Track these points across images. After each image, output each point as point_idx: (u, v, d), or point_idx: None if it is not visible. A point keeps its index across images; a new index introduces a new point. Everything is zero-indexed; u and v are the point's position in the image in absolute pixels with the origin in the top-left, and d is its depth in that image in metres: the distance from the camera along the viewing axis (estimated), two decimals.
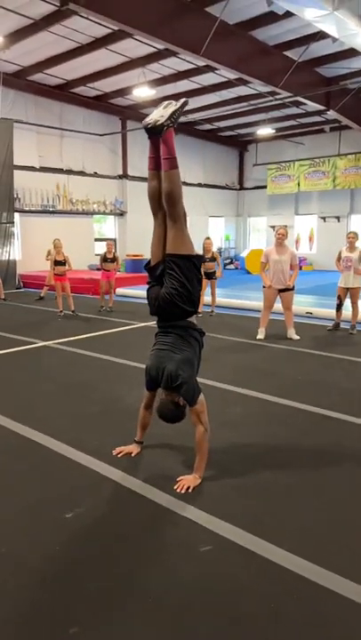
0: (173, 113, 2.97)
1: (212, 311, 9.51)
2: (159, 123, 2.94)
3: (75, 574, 2.35)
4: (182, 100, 3.08)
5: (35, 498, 3.01)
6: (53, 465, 3.44)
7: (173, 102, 3.05)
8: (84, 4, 8.22)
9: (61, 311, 9.58)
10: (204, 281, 9.40)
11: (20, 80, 13.70)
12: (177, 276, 3.02)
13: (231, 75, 12.27)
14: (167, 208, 3.03)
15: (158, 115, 2.98)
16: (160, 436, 3.71)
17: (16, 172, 13.84)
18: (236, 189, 22.62)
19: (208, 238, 9.73)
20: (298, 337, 7.29)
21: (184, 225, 3.06)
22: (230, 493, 3.04)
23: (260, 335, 7.35)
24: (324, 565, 2.37)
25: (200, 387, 3.14)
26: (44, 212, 15.35)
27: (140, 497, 3.00)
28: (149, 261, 3.21)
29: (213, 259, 9.47)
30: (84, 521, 2.76)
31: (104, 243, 11.73)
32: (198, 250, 10.35)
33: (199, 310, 8.82)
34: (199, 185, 20.31)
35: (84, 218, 16.69)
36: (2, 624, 2.06)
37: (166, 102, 3.07)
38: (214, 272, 9.46)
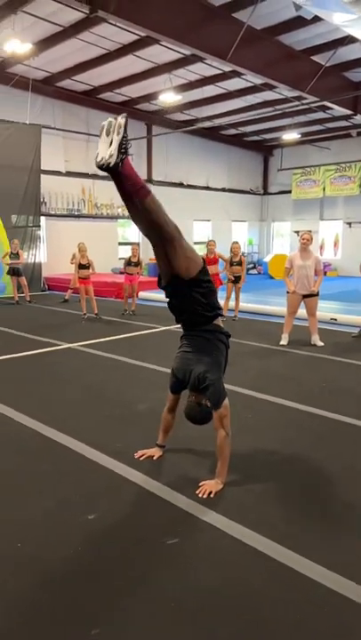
0: (120, 145, 2.57)
1: (236, 316, 9.49)
2: (112, 164, 2.56)
3: (92, 576, 2.36)
4: (122, 119, 2.62)
5: (56, 499, 3.04)
6: (75, 466, 3.46)
7: (113, 125, 2.63)
8: (113, 11, 8.32)
9: (85, 314, 9.67)
10: (229, 285, 9.44)
11: (48, 86, 13.94)
12: (190, 293, 3.02)
13: (257, 80, 12.24)
14: (159, 233, 2.90)
15: (107, 153, 2.58)
16: (183, 439, 3.71)
17: (43, 177, 14.05)
18: (260, 194, 22.53)
19: (236, 242, 9.93)
20: (322, 343, 7.21)
21: (181, 238, 2.95)
22: (250, 499, 3.02)
23: (284, 341, 7.29)
24: (340, 572, 2.35)
25: (226, 391, 3.14)
26: (70, 215, 15.54)
27: (160, 500, 3.00)
28: (160, 279, 3.16)
29: (240, 262, 9.50)
30: (105, 523, 2.78)
31: (128, 247, 11.81)
32: (225, 252, 10.22)
33: (224, 313, 8.84)
34: (223, 190, 20.27)
35: (109, 222, 16.82)
36: (13, 625, 2.08)
37: (106, 127, 2.64)
38: (240, 276, 9.48)
